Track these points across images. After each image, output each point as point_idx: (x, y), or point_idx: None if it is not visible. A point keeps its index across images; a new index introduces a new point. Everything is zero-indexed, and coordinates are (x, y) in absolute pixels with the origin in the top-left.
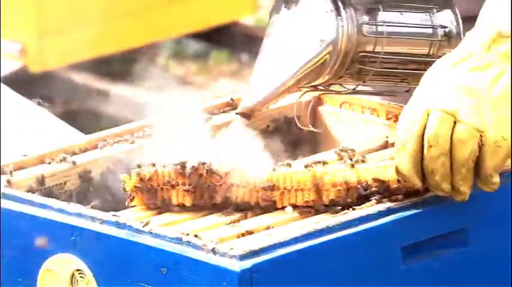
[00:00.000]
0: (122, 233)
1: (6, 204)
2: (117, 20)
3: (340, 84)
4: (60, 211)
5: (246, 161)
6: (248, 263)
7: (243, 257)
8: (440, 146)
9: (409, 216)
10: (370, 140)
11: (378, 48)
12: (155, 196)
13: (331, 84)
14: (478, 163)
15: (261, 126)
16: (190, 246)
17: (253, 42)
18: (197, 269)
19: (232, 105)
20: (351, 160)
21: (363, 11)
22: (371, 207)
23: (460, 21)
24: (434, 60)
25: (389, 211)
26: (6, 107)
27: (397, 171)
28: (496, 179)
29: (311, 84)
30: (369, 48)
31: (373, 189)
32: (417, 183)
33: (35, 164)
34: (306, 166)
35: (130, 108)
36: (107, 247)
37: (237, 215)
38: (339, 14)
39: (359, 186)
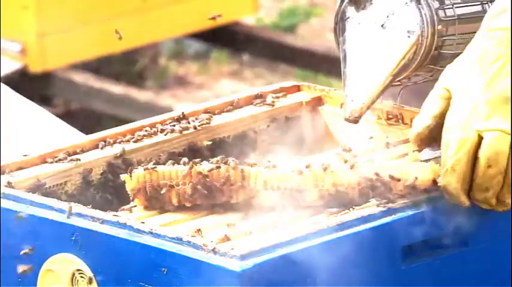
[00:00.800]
0: (122, 233)
1: (6, 204)
2: (117, 19)
3: (419, 74)
4: (61, 211)
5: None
6: (249, 263)
7: (243, 257)
8: (499, 165)
9: (409, 216)
10: (370, 140)
11: (452, 31)
12: (155, 196)
13: (410, 77)
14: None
15: (260, 126)
16: (191, 246)
17: (254, 42)
18: (197, 269)
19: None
20: (351, 160)
21: None
22: (371, 207)
23: None
24: None
25: (389, 211)
26: (6, 107)
27: (445, 190)
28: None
29: (398, 79)
30: (444, 32)
31: (378, 186)
32: (464, 201)
33: (35, 164)
34: (306, 167)
35: (131, 108)
36: (107, 247)
37: (238, 215)
38: (419, 2)
39: (364, 185)
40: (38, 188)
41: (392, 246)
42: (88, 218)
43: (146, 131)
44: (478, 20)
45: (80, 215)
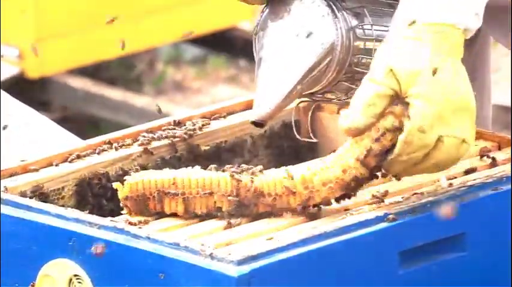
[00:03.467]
0: (120, 239)
1: (5, 209)
2: (115, 25)
3: (333, 92)
4: (58, 216)
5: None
6: (246, 269)
7: (240, 262)
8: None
9: (406, 221)
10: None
11: (369, 51)
12: (146, 205)
13: (325, 92)
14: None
15: (258, 132)
16: (188, 251)
17: (252, 47)
18: (195, 275)
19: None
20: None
21: (351, 15)
22: (368, 212)
23: None
24: None
25: (386, 216)
26: (4, 112)
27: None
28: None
29: (309, 92)
30: (361, 51)
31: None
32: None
33: (33, 169)
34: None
35: (128, 114)
36: (104, 252)
37: (235, 221)
38: (335, 16)
39: (353, 176)
40: (35, 193)
41: (390, 251)
42: (85, 223)
43: (143, 136)
44: None
45: (77, 220)
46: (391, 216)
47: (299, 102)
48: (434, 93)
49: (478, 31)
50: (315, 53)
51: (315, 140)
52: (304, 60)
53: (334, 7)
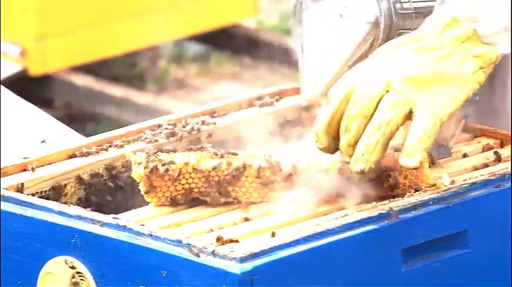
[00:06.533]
0: (122, 236)
1: (7, 207)
2: (117, 22)
3: None
4: (61, 213)
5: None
6: (248, 266)
7: (243, 259)
8: (363, 106)
9: (409, 218)
10: None
11: (408, 25)
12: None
13: None
14: (405, 137)
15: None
16: (190, 248)
17: (254, 44)
18: (197, 272)
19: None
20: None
21: None
22: (371, 209)
23: None
24: None
25: (389, 213)
26: (6, 109)
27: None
28: (419, 156)
29: None
30: (400, 25)
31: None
32: (323, 142)
33: (36, 167)
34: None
35: (131, 111)
36: (107, 250)
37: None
38: None
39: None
40: (38, 190)
41: (392, 248)
42: (87, 220)
43: (145, 133)
44: None
45: (79, 217)
46: (393, 213)
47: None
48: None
49: None
50: (358, 32)
51: None
52: (348, 40)
53: None
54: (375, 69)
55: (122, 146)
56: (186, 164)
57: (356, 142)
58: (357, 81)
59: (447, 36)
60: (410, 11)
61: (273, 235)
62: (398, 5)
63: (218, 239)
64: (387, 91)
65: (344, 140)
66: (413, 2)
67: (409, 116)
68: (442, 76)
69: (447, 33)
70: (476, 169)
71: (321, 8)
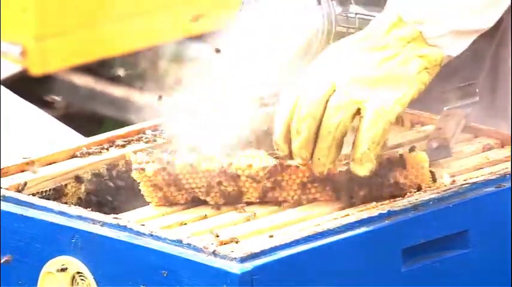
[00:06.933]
0: (123, 236)
1: (7, 207)
2: (117, 22)
3: None
4: (61, 213)
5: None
6: (249, 266)
7: (243, 259)
8: (311, 108)
9: (409, 218)
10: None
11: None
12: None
13: None
14: (354, 141)
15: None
16: (191, 248)
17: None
18: (198, 272)
19: None
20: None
21: (336, 2)
22: (371, 210)
23: None
24: None
25: (389, 213)
26: (6, 109)
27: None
28: (370, 165)
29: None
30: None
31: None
32: (284, 150)
33: (36, 167)
34: None
35: (131, 111)
36: (107, 250)
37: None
38: (319, 3)
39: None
40: (38, 190)
41: (393, 248)
42: (88, 220)
43: (146, 133)
44: None
45: (80, 217)
46: (393, 213)
47: None
48: None
49: (499, 22)
50: (298, 40)
51: None
52: (288, 47)
53: None
54: (321, 71)
55: (122, 146)
56: (187, 164)
57: (307, 143)
58: (305, 84)
59: (393, 36)
60: (354, 27)
61: (273, 235)
62: (340, 18)
63: (218, 239)
64: (334, 91)
65: (296, 143)
66: (358, 18)
67: (357, 113)
68: (389, 76)
69: (394, 33)
70: (476, 168)
71: (260, 12)
